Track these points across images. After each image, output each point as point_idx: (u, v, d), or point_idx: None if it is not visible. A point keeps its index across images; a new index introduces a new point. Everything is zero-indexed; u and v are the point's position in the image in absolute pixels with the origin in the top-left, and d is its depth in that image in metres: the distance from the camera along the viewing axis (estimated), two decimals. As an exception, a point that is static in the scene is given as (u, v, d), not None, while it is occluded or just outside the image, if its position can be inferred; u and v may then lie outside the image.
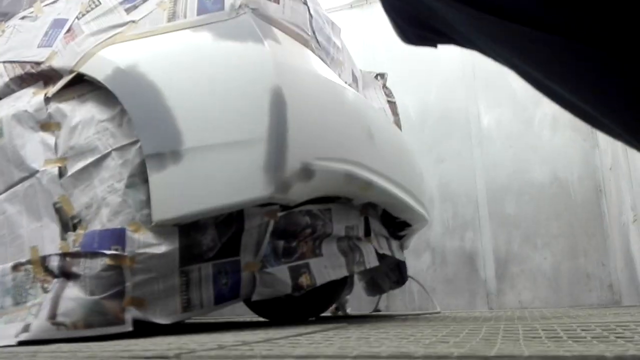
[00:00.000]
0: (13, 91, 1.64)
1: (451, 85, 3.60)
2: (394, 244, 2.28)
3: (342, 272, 1.81)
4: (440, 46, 0.56)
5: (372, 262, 1.97)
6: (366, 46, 3.70)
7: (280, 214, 1.54)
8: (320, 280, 1.69)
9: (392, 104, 2.62)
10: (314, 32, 1.77)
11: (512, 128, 3.47)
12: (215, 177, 1.37)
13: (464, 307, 3.33)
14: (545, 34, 0.43)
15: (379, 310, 3.19)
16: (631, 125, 0.46)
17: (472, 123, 3.57)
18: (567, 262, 3.24)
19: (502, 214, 3.41)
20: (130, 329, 1.29)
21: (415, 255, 3.39)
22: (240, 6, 1.49)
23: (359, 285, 2.67)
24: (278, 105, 1.39)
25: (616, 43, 0.42)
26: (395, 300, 3.42)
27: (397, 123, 2.57)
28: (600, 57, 0.43)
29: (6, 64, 1.65)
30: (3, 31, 1.76)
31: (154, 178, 1.36)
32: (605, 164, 3.22)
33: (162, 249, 1.34)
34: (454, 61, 3.55)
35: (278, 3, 1.60)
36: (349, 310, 2.87)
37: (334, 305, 2.73)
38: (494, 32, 0.47)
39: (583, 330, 1.16)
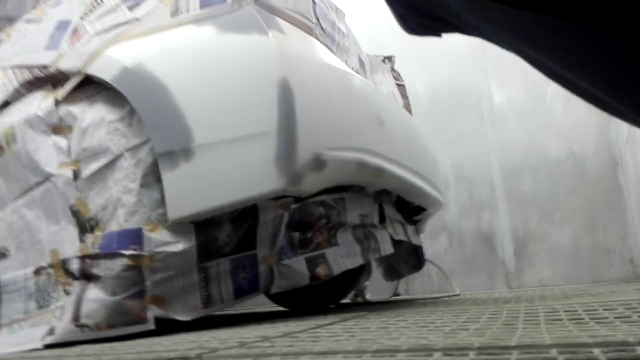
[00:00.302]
0: (23, 95, 1.65)
1: (461, 64, 3.55)
2: (410, 229, 2.28)
3: (358, 261, 1.81)
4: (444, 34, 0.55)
5: (387, 249, 1.97)
6: (372, 28, 3.65)
7: (294, 205, 1.54)
8: (337, 270, 1.69)
9: (401, 87, 2.59)
10: (318, 20, 1.75)
11: (524, 104, 3.41)
12: (227, 172, 1.37)
13: (484, 287, 3.32)
14: (556, 20, 0.42)
15: (398, 295, 3.19)
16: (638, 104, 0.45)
17: (483, 101, 3.52)
18: (586, 238, 3.21)
19: (518, 192, 3.37)
20: (152, 327, 1.31)
21: (432, 238, 3.37)
22: (243, -2, 1.47)
23: (377, 271, 2.68)
24: (286, 97, 1.38)
25: (628, 28, 0.41)
26: (414, 284, 3.42)
27: (407, 106, 2.54)
28: (612, 42, 0.42)
29: (14, 69, 1.66)
30: (9, 36, 1.76)
31: (167, 176, 1.36)
32: (621, 137, 3.16)
33: (179, 246, 1.35)
34: (462, 39, 3.48)
35: (281, -8, 1.58)
36: (368, 296, 2.88)
37: (353, 292, 2.74)
38: (502, 19, 0.46)
39: (605, 309, 1.15)
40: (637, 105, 0.46)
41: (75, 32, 1.58)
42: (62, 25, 1.62)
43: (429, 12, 0.51)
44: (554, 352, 0.61)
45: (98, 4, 1.59)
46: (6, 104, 1.68)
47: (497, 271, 3.34)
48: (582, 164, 3.28)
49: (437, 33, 0.55)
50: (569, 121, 3.28)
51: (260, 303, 2.79)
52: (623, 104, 0.47)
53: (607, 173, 3.23)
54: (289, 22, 1.58)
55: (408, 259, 2.50)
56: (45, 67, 1.59)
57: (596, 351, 0.60)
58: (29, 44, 1.67)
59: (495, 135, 3.46)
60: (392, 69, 2.62)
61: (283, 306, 2.52)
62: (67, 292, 1.36)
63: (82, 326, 1.27)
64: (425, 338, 0.85)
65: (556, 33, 0.43)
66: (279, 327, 1.24)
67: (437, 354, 0.65)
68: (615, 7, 0.40)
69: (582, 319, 1.02)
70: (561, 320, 1.03)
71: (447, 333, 0.92)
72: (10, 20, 1.83)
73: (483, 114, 3.51)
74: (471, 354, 0.64)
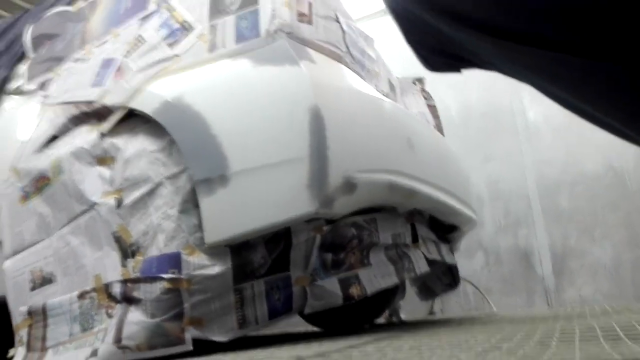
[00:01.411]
0: (69, 129, 1.76)
1: (492, 81, 3.54)
2: (444, 247, 2.27)
3: (392, 280, 1.82)
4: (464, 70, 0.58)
5: (422, 267, 1.97)
6: (402, 51, 3.69)
7: (326, 227, 1.57)
8: (370, 290, 1.71)
9: (432, 108, 2.61)
10: (347, 48, 1.81)
11: (560, 120, 3.37)
12: (261, 197, 1.42)
13: (522, 305, 3.26)
14: (569, 57, 0.44)
15: (433, 313, 3.16)
16: None
17: (518, 118, 3.50)
18: (628, 253, 3.12)
19: (556, 208, 3.31)
20: (190, 348, 1.35)
21: (468, 256, 3.34)
22: (275, 31, 1.54)
23: (411, 290, 2.67)
24: (317, 124, 1.42)
25: (633, 59, 0.43)
26: (450, 303, 3.39)
27: (438, 126, 2.56)
28: (627, 77, 0.44)
29: (63, 105, 1.77)
30: (59, 75, 1.88)
31: (205, 202, 1.42)
32: (662, 150, 3.08)
33: (216, 269, 1.41)
34: (493, 57, 3.48)
35: (311, 24, 1.64)
36: (403, 316, 2.87)
37: (387, 312, 2.74)
38: (519, 58, 0.48)
39: (642, 328, 1.14)
40: None
41: (119, 69, 1.68)
42: (107, 64, 1.73)
43: (448, 51, 0.54)
44: (579, 371, 0.63)
45: (140, 42, 1.69)
46: (54, 138, 1.79)
47: (536, 289, 3.27)
48: (622, 178, 3.21)
49: (457, 69, 0.59)
50: (607, 136, 3.20)
51: (295, 324, 2.82)
52: None
53: (647, 187, 3.15)
54: (319, 52, 1.64)
55: (443, 277, 2.49)
56: (91, 102, 1.70)
57: (621, 370, 0.61)
58: (77, 82, 1.78)
59: (531, 151, 3.42)
60: (423, 90, 2.64)
61: (317, 326, 2.54)
62: (109, 315, 1.43)
63: (124, 348, 1.33)
64: (457, 357, 0.86)
65: (571, 68, 0.46)
66: (313, 347, 1.27)
67: (464, 374, 0.67)
68: (628, 43, 0.42)
69: (618, 335, 1.02)
70: (597, 337, 1.02)
71: (479, 352, 0.93)
72: (59, 60, 1.96)
73: (518, 131, 3.48)
74: (497, 373, 0.66)
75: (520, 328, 1.41)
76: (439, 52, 0.55)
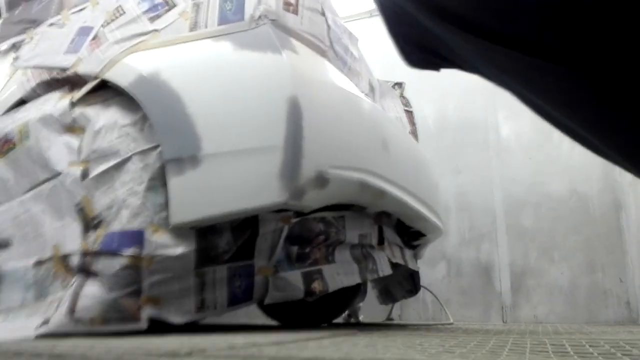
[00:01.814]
0: (39, 95, 1.71)
1: (470, 94, 3.59)
2: (408, 253, 2.30)
3: (355, 279, 1.83)
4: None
5: (385, 270, 1.99)
6: (385, 55, 3.72)
7: (294, 220, 1.57)
8: (332, 287, 1.71)
9: (409, 114, 2.64)
10: (331, 43, 1.81)
11: (531, 139, 3.45)
12: (232, 182, 1.41)
13: (478, 319, 3.32)
14: (549, 64, 0.45)
15: (391, 319, 3.19)
16: (628, 152, 0.48)
17: (490, 133, 3.56)
18: (584, 277, 3.20)
19: (519, 226, 3.38)
20: (145, 327, 1.33)
21: (431, 265, 3.38)
22: (260, 17, 1.53)
23: (372, 294, 2.68)
24: (294, 115, 1.42)
25: (611, 72, 0.44)
26: (408, 310, 3.42)
27: (414, 132, 2.58)
28: (600, 88, 0.45)
29: (33, 69, 1.72)
30: (32, 38, 1.83)
31: (173, 182, 1.40)
32: (626, 179, 3.17)
33: (178, 250, 1.38)
34: (473, 72, 3.53)
35: (297, 14, 1.63)
36: (361, 318, 2.88)
37: (346, 312, 2.75)
38: (499, 60, 0.48)
39: (591, 346, 1.17)
40: (623, 149, 0.49)
41: (95, 38, 1.64)
42: (84, 31, 1.68)
43: (430, 48, 0.54)
44: (529, 373, 0.64)
45: (120, 13, 1.66)
46: (22, 102, 1.74)
47: (493, 303, 3.33)
48: (585, 203, 3.29)
49: (436, 67, 0.59)
50: (575, 160, 3.31)
51: (253, 316, 2.80)
52: (610, 148, 0.50)
53: (609, 214, 3.24)
54: (302, 43, 1.63)
55: (404, 283, 2.52)
56: (64, 69, 1.65)
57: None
58: (50, 47, 1.73)
59: (500, 168, 3.49)
60: (402, 95, 2.66)
61: (276, 320, 2.53)
62: (64, 286, 1.39)
63: (76, 320, 1.29)
64: (410, 356, 0.87)
65: (548, 75, 0.46)
66: (270, 337, 1.26)
67: (417, 368, 0.68)
68: (601, 54, 0.43)
69: (567, 352, 1.04)
70: (546, 352, 1.04)
71: (432, 354, 0.94)
72: (34, 22, 1.90)
73: (489, 146, 3.55)
74: (450, 369, 0.66)
75: (474, 338, 1.43)
76: (420, 47, 0.55)
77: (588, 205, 3.29)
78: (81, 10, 1.80)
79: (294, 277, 1.60)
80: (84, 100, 1.59)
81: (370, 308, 3.04)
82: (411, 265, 2.30)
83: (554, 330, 2.00)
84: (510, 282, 3.32)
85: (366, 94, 2.03)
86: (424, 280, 2.68)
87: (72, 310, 1.30)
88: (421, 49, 0.56)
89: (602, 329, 2.09)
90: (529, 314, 3.25)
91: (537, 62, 0.45)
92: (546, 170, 3.38)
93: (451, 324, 2.81)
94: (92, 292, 1.33)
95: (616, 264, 3.16)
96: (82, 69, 1.62)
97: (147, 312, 1.34)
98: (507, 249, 3.37)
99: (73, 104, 1.59)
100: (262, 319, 2.64)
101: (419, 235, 2.35)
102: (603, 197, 3.27)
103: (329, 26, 1.81)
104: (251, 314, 2.70)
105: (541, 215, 3.36)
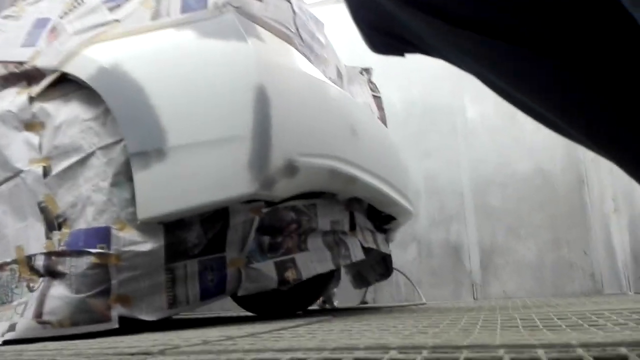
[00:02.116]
0: (-5, 90, 1.64)
1: (437, 79, 3.63)
2: (380, 237, 2.32)
3: (328, 266, 1.84)
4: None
5: (357, 255, 2.00)
6: (352, 41, 3.70)
7: (265, 210, 1.56)
8: (306, 274, 1.71)
9: (377, 99, 2.64)
10: (297, 29, 1.79)
11: (496, 121, 3.51)
12: (199, 174, 1.39)
13: (450, 298, 3.38)
14: (510, 46, 0.45)
15: (366, 303, 3.23)
16: (589, 130, 0.49)
17: (457, 117, 3.61)
18: (550, 253, 3.30)
19: (487, 206, 3.45)
20: (116, 326, 1.31)
21: (402, 248, 3.42)
22: (223, 4, 1.50)
23: (346, 279, 2.71)
24: (262, 103, 1.40)
25: (577, 58, 0.44)
26: (382, 293, 3.46)
27: (382, 118, 2.59)
28: (563, 70, 0.45)
29: (-11, 64, 1.65)
30: (-15, 31, 1.75)
31: (139, 176, 1.37)
32: (588, 156, 3.27)
33: (147, 246, 1.36)
34: (438, 55, 3.56)
35: (261, 1, 1.61)
36: (336, 303, 2.91)
37: (321, 299, 2.76)
38: (461, 43, 0.49)
39: (559, 319, 1.20)
40: (586, 129, 0.50)
41: (53, 30, 1.58)
42: (41, 23, 1.62)
43: (394, 33, 0.54)
44: (501, 352, 0.65)
45: (78, 3, 1.60)
46: (-22, 98, 1.67)
47: (464, 282, 3.40)
48: (549, 181, 3.38)
49: (400, 53, 0.58)
50: (538, 140, 3.39)
51: (228, 308, 2.79)
52: (573, 128, 0.51)
53: (573, 191, 3.34)
54: (268, 30, 1.61)
55: (377, 267, 2.54)
56: (21, 63, 1.59)
57: (540, 351, 0.64)
58: (6, 40, 1.66)
59: (467, 150, 3.54)
60: (370, 81, 2.66)
61: (251, 311, 2.53)
62: (30, 289, 1.35)
63: (44, 323, 1.26)
64: (385, 339, 0.88)
65: (512, 59, 0.47)
66: (245, 329, 1.25)
67: (392, 352, 0.68)
68: (564, 38, 0.43)
69: (537, 326, 1.07)
70: (517, 327, 1.07)
71: (407, 335, 0.95)
72: (-13, 15, 1.81)
73: (456, 129, 3.59)
74: (425, 352, 0.67)
75: (446, 316, 1.45)
76: (385, 32, 0.55)
77: (552, 183, 3.38)
78: (38, 1, 1.73)
79: (267, 268, 1.60)
80: (43, 94, 1.53)
81: (344, 293, 3.06)
82: (383, 248, 2.33)
83: (523, 304, 2.05)
84: (480, 261, 3.40)
85: (334, 80, 2.02)
86: (396, 262, 2.71)
87: (39, 313, 1.27)
88: (385, 34, 0.55)
89: (569, 301, 2.16)
90: (499, 291, 3.33)
91: (500, 44, 0.45)
92: (511, 151, 3.45)
93: (424, 304, 2.86)
94: (59, 294, 1.29)
95: (580, 238, 3.26)
96: (40, 62, 1.56)
97: (117, 311, 1.32)
98: (476, 229, 3.44)
99: (32, 99, 1.53)
100: (237, 311, 2.64)
101: (389, 219, 2.38)
102: (566, 175, 3.36)
103: (294, 12, 1.79)
104: (225, 306, 2.69)
105: (507, 195, 3.43)
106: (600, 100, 0.46)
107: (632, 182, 0.54)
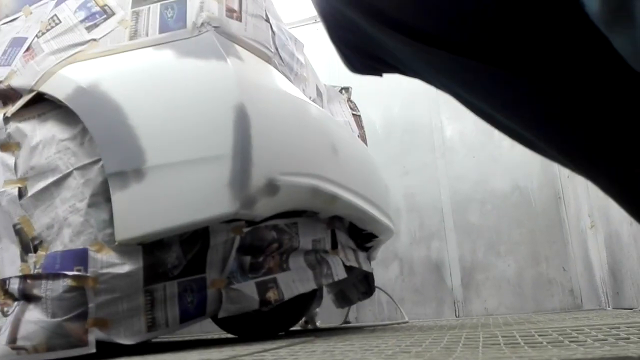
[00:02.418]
0: (-31, 111, 1.60)
1: (415, 98, 3.68)
2: (361, 255, 2.31)
3: (310, 285, 1.82)
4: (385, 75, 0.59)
5: (340, 274, 1.99)
6: (330, 60, 3.75)
7: (246, 229, 1.55)
8: (288, 295, 1.70)
9: (357, 117, 2.67)
10: (277, 49, 1.80)
11: (474, 139, 3.56)
12: (179, 194, 1.37)
13: (432, 315, 3.38)
14: (483, 65, 0.46)
15: (348, 322, 3.20)
16: (560, 146, 0.50)
17: (435, 135, 3.65)
18: (529, 269, 3.33)
19: (466, 223, 3.48)
20: (93, 350, 1.27)
21: (384, 266, 3.43)
22: (202, 24, 1.50)
23: (328, 298, 2.69)
24: (242, 122, 1.40)
25: (542, 73, 0.45)
26: (364, 312, 3.45)
27: (362, 136, 2.61)
28: (530, 86, 0.46)
29: (-37, 84, 1.62)
30: (-41, 50, 1.72)
31: (117, 197, 1.35)
32: (564, 172, 3.33)
33: (125, 268, 1.33)
34: (416, 75, 3.62)
35: (240, 21, 1.62)
36: (318, 323, 2.88)
37: (303, 319, 2.73)
38: (435, 62, 0.49)
39: (540, 335, 1.21)
40: (556, 143, 0.50)
41: (30, 49, 1.57)
42: (17, 42, 1.60)
43: (371, 53, 0.54)
44: (484, 370, 0.65)
45: (55, 22, 1.58)
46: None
47: (446, 299, 3.41)
48: (527, 197, 3.43)
49: (378, 73, 0.59)
50: (515, 157, 3.44)
51: (208, 330, 2.74)
52: (547, 144, 0.52)
53: (550, 207, 3.39)
54: (248, 50, 1.62)
55: (359, 285, 2.53)
56: (-5, 83, 1.56)
57: (522, 369, 0.64)
58: (-20, 59, 1.63)
59: (446, 168, 3.58)
60: (349, 100, 2.69)
61: (232, 333, 2.49)
62: (4, 314, 1.31)
63: (18, 348, 1.22)
64: (368, 359, 0.87)
65: (484, 77, 0.47)
66: (225, 351, 1.23)
67: (375, 373, 0.68)
68: (534, 55, 0.44)
69: (518, 343, 1.07)
70: (498, 344, 1.07)
71: (389, 355, 0.94)
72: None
73: (435, 147, 3.64)
74: (408, 372, 0.67)
75: (429, 335, 1.45)
76: (362, 52, 0.55)
77: (530, 199, 3.42)
78: (13, 20, 1.71)
79: (248, 288, 1.58)
80: (19, 114, 1.51)
81: (327, 312, 3.04)
82: (365, 267, 2.32)
83: (504, 321, 2.06)
84: (461, 278, 3.41)
85: (314, 99, 2.03)
86: (378, 281, 2.71)
87: (13, 339, 1.23)
88: (363, 55, 0.56)
89: (549, 317, 2.18)
90: (480, 307, 3.34)
91: (469, 62, 0.46)
92: (489, 168, 3.50)
93: (406, 322, 2.85)
94: (35, 318, 1.26)
95: (559, 254, 3.30)
96: (16, 82, 1.54)
97: (94, 335, 1.28)
98: (456, 246, 3.46)
99: (7, 119, 1.51)
100: (218, 333, 2.59)
101: (371, 237, 2.38)
102: (543, 191, 3.42)
103: (274, 32, 1.80)
104: (206, 328, 2.64)
105: (486, 212, 3.47)
106: (571, 118, 0.46)
107: (607, 198, 0.55)
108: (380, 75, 0.58)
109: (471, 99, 0.52)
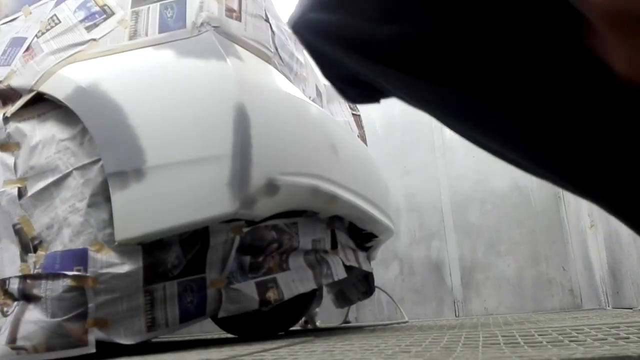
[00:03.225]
0: (-31, 111, 1.60)
1: (414, 97, 3.67)
2: (361, 255, 2.31)
3: (310, 285, 1.82)
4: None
5: (339, 274, 1.99)
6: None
7: (245, 229, 1.55)
8: (288, 294, 1.70)
9: (357, 117, 2.66)
10: (276, 49, 1.80)
11: (473, 139, 3.56)
12: (179, 194, 1.37)
13: (432, 315, 3.38)
14: (463, 93, 0.47)
15: (348, 322, 3.20)
16: (547, 165, 0.50)
17: (435, 135, 3.65)
18: (529, 269, 3.33)
19: (466, 223, 3.48)
20: (93, 350, 1.27)
21: (384, 266, 3.43)
22: (202, 24, 1.50)
23: (328, 298, 2.69)
24: (242, 122, 1.40)
25: (522, 100, 0.46)
26: (364, 311, 3.45)
27: (362, 136, 2.61)
28: (503, 108, 0.47)
29: (-37, 84, 1.62)
30: (-41, 50, 1.72)
31: (117, 197, 1.35)
32: (563, 172, 3.33)
33: (125, 268, 1.33)
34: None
35: (240, 21, 1.62)
36: (318, 323, 2.88)
37: (303, 319, 2.73)
38: (418, 91, 0.50)
39: (540, 335, 1.21)
40: (544, 163, 0.51)
41: (29, 49, 1.57)
42: (17, 42, 1.60)
43: (364, 83, 0.56)
44: (483, 370, 0.65)
45: (55, 22, 1.58)
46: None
47: (445, 299, 3.41)
48: (527, 197, 3.43)
49: (375, 100, 0.60)
50: (515, 156, 3.44)
51: (208, 330, 2.74)
52: (532, 163, 0.52)
53: (550, 207, 3.39)
54: (247, 50, 1.62)
55: (359, 285, 2.53)
56: (-5, 83, 1.56)
57: (522, 369, 0.64)
58: (-20, 60, 1.63)
59: (446, 167, 3.58)
60: (348, 100, 2.68)
61: (231, 333, 2.49)
62: (4, 314, 1.31)
63: (18, 349, 1.22)
64: (368, 359, 0.87)
65: (463, 103, 0.48)
66: (225, 351, 1.23)
67: (375, 373, 0.68)
68: (479, 73, 0.45)
69: (518, 342, 1.07)
70: (498, 344, 1.07)
71: (389, 355, 0.94)
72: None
73: (435, 147, 3.64)
74: (407, 372, 0.67)
75: (428, 335, 1.45)
76: (356, 84, 0.57)
77: (530, 199, 3.43)
78: (13, 20, 1.71)
79: (248, 288, 1.58)
80: (19, 114, 1.51)
81: (327, 312, 3.04)
82: (365, 267, 2.32)
83: (504, 321, 2.06)
84: (461, 278, 3.41)
85: (313, 99, 2.03)
86: (378, 280, 2.71)
87: (13, 339, 1.23)
88: (357, 86, 0.57)
89: (549, 317, 2.18)
90: (480, 307, 3.35)
91: (441, 87, 0.47)
92: (489, 168, 3.50)
93: (406, 322, 2.85)
94: (35, 318, 1.26)
95: (558, 253, 3.31)
96: (16, 82, 1.54)
97: (94, 335, 1.28)
98: (456, 246, 3.46)
99: (7, 119, 1.51)
100: (217, 333, 2.59)
101: (371, 236, 2.38)
102: (543, 191, 3.42)
103: (273, 32, 1.80)
104: (205, 328, 2.65)
105: (486, 211, 3.47)
106: (530, 134, 0.47)
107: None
108: (378, 102, 0.60)
109: (456, 124, 0.53)
